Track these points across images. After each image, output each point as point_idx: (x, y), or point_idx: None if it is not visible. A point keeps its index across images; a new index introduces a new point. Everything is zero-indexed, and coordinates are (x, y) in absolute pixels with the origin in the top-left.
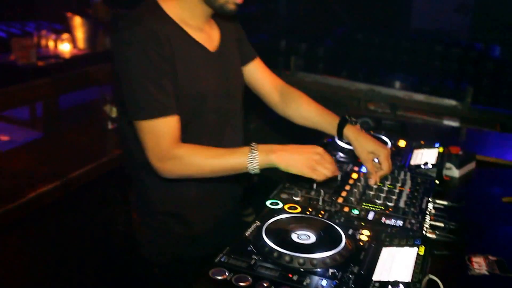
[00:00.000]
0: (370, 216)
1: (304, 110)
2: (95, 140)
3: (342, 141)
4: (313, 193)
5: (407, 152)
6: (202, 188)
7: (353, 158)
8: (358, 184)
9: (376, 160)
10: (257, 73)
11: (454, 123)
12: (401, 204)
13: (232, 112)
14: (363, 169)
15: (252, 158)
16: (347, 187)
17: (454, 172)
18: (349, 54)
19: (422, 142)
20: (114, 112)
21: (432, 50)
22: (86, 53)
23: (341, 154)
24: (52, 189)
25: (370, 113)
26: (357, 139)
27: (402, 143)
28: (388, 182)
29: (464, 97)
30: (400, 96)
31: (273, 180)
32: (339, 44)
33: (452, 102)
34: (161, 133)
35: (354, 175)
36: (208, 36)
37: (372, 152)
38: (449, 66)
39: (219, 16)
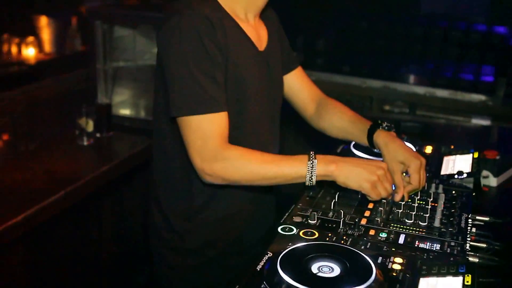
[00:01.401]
0: (401, 239)
1: (337, 120)
2: (68, 159)
3: (361, 152)
4: (330, 214)
5: (436, 160)
6: (247, 198)
7: None
8: (383, 201)
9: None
10: (298, 84)
11: (485, 122)
12: (436, 223)
13: (271, 119)
14: None
15: (311, 167)
16: (370, 205)
17: (491, 180)
18: (352, 46)
19: (452, 147)
20: (90, 127)
21: (448, 37)
22: (53, 58)
23: None
24: (11, 227)
25: (386, 114)
26: (386, 146)
27: (428, 149)
28: (418, 198)
29: (493, 91)
30: (420, 93)
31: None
32: (340, 35)
33: (481, 98)
34: (210, 131)
35: None
36: (257, 34)
37: (403, 162)
38: (469, 55)
39: (264, 14)
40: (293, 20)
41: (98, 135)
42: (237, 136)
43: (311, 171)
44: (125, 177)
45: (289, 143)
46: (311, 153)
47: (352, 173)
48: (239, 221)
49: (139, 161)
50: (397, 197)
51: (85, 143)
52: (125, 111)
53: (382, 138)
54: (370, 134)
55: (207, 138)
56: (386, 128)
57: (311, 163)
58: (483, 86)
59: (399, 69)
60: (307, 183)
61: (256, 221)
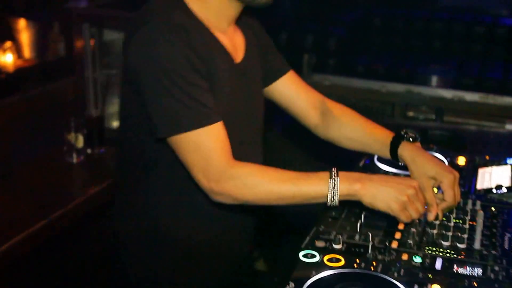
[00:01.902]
0: (438, 264)
1: (349, 130)
2: (56, 180)
3: (385, 164)
4: (357, 237)
5: (470, 173)
6: (216, 221)
7: None
8: (416, 220)
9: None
10: (292, 90)
11: None
12: (476, 245)
13: (251, 136)
14: None
15: (333, 186)
16: (401, 226)
17: None
18: (366, 45)
19: (487, 157)
20: (80, 142)
21: (471, 32)
22: (35, 65)
23: None
24: None
25: (409, 121)
26: (414, 160)
27: (461, 161)
28: (454, 216)
29: None
30: (448, 98)
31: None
32: (351, 33)
33: None
34: (211, 146)
35: None
36: (233, 44)
37: (434, 178)
38: (495, 52)
39: (241, 21)
40: (300, 19)
41: (89, 151)
42: None
43: (333, 191)
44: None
45: (298, 156)
46: (333, 170)
47: (380, 192)
48: (205, 247)
49: None
50: (431, 216)
51: (75, 160)
52: (117, 123)
53: (408, 151)
54: (394, 147)
55: (210, 155)
56: (411, 139)
57: (333, 182)
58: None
59: (419, 70)
60: (328, 204)
61: (227, 249)
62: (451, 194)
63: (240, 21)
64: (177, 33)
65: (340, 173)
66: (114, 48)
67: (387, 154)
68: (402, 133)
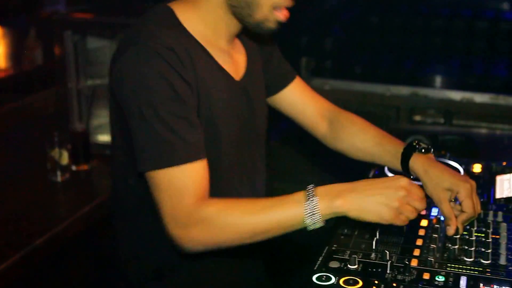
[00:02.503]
0: (463, 283)
1: (359, 140)
2: (39, 201)
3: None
4: (373, 256)
5: (487, 181)
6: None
7: None
8: (434, 235)
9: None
10: (300, 98)
11: None
12: (502, 260)
13: (254, 155)
14: (434, 212)
15: (312, 208)
16: (419, 242)
17: None
18: (363, 44)
19: (504, 163)
20: (64, 159)
21: (473, 28)
22: (10, 75)
23: None
24: None
25: (417, 125)
26: (427, 172)
27: (477, 168)
28: (475, 229)
29: None
30: (457, 100)
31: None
32: (348, 32)
33: None
34: (185, 186)
35: (424, 222)
36: (233, 60)
37: (449, 189)
38: (498, 47)
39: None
40: (294, 18)
41: (74, 168)
42: (212, 181)
43: (312, 213)
44: (108, 218)
45: (300, 165)
46: (309, 188)
47: (367, 203)
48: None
49: None
50: (451, 231)
51: (59, 179)
52: (103, 137)
53: (420, 163)
54: (405, 159)
55: (180, 196)
56: (423, 150)
57: (311, 202)
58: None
59: (421, 70)
60: (310, 228)
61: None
62: (470, 204)
63: (243, 35)
64: (164, 58)
65: (318, 190)
66: (98, 56)
67: (397, 166)
68: (414, 144)
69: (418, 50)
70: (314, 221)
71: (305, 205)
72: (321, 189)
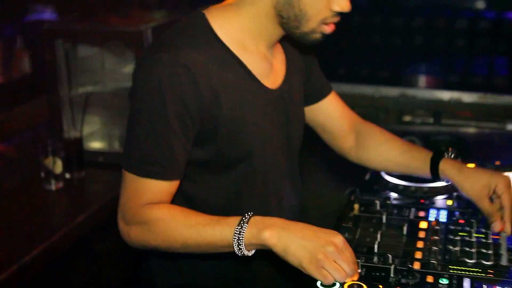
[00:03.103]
0: (466, 285)
1: (386, 149)
2: (37, 210)
3: (397, 177)
4: (375, 259)
5: None
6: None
7: (413, 199)
8: (435, 237)
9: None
10: (333, 112)
11: None
12: (503, 261)
13: (289, 164)
14: (433, 214)
15: (239, 234)
16: (420, 244)
17: None
18: (345, 44)
19: (498, 163)
20: (58, 167)
21: (452, 28)
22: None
23: (393, 195)
24: None
25: (407, 126)
26: (460, 172)
27: None
28: (474, 230)
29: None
30: (445, 99)
31: None
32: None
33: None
34: (144, 195)
35: (423, 224)
36: (270, 68)
37: (486, 185)
38: (477, 46)
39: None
40: None
41: (67, 176)
42: (244, 199)
43: (238, 239)
44: (103, 226)
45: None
46: (247, 214)
47: (293, 245)
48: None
49: None
50: (497, 227)
51: (53, 187)
52: (96, 144)
53: (452, 165)
54: (435, 165)
55: (136, 199)
56: (452, 155)
57: (240, 228)
58: (498, 81)
59: (405, 70)
60: (238, 254)
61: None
62: (509, 196)
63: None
64: (174, 76)
65: (253, 218)
66: (89, 64)
67: (426, 172)
68: (443, 149)
69: (399, 50)
70: (239, 248)
71: (235, 230)
72: (255, 218)
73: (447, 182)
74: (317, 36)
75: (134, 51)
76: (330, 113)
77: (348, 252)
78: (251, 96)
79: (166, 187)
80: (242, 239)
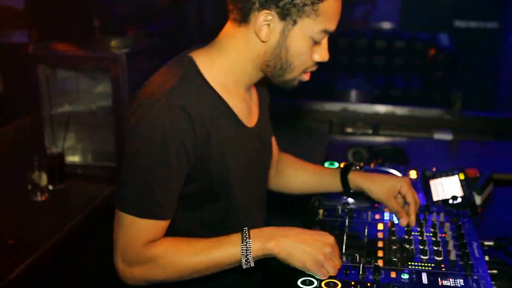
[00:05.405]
0: (424, 279)
1: (301, 172)
2: (27, 219)
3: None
4: (344, 259)
5: (422, 185)
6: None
7: (368, 203)
8: (393, 238)
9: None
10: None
11: (447, 136)
12: (452, 256)
13: (259, 196)
14: (387, 217)
15: (246, 249)
16: (380, 243)
17: (476, 199)
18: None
19: (434, 169)
20: (44, 180)
21: (373, 47)
22: None
23: (350, 200)
24: None
25: (349, 137)
26: (368, 179)
27: (413, 174)
28: (423, 230)
29: (449, 104)
30: (382, 112)
31: None
32: None
33: (438, 112)
34: (142, 235)
35: (380, 226)
36: (248, 108)
37: (392, 187)
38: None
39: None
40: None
41: (50, 187)
42: (226, 221)
43: (246, 253)
44: (87, 234)
45: None
46: (245, 230)
47: (295, 250)
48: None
49: (103, 213)
50: (403, 222)
51: (39, 198)
52: (74, 158)
53: (359, 175)
54: (344, 176)
55: (135, 240)
56: (357, 167)
57: (245, 244)
58: (405, 93)
59: (337, 85)
60: (244, 266)
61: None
62: (412, 194)
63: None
64: (170, 118)
65: (252, 232)
66: (65, 85)
67: (338, 185)
68: (349, 164)
69: (345, 68)
70: (247, 261)
71: (241, 246)
72: (255, 232)
73: (357, 190)
74: (296, 83)
75: (110, 74)
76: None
77: (337, 250)
78: (235, 136)
79: (164, 225)
80: (250, 254)
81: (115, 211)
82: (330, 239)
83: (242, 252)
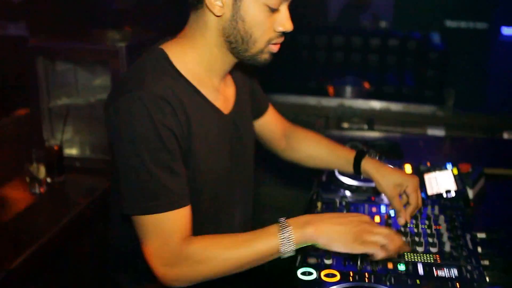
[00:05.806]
0: (420, 269)
1: (313, 149)
2: (26, 211)
3: (350, 177)
4: None
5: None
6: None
7: (365, 197)
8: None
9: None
10: (271, 123)
11: (440, 132)
12: (447, 247)
13: (242, 184)
14: (384, 210)
15: (285, 238)
16: None
17: (468, 193)
18: (279, 60)
19: (429, 164)
20: (42, 173)
21: (367, 45)
22: None
23: (347, 193)
24: None
25: (345, 131)
26: (379, 171)
27: (408, 169)
28: (420, 222)
29: (442, 101)
30: (377, 109)
31: None
32: (279, 51)
33: (431, 109)
34: (170, 229)
35: (377, 219)
36: (223, 96)
37: (399, 185)
38: (387, 61)
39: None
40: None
41: (48, 180)
42: (200, 214)
43: (287, 242)
44: (86, 227)
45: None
46: (281, 220)
47: (335, 233)
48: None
49: (101, 206)
50: (402, 221)
51: (38, 191)
52: (72, 151)
53: (372, 164)
54: (357, 163)
55: (167, 237)
56: (372, 155)
57: (286, 233)
58: (398, 90)
59: (335, 82)
60: (286, 256)
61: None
62: (416, 197)
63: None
64: (156, 107)
65: (289, 221)
66: (64, 78)
67: (350, 169)
68: (364, 150)
69: (340, 65)
70: (288, 250)
71: (279, 238)
72: (291, 220)
73: (367, 178)
74: (266, 56)
75: (109, 68)
76: (268, 124)
77: (377, 225)
78: (214, 124)
79: (187, 213)
80: (291, 242)
81: (133, 220)
82: (364, 217)
83: (282, 243)
